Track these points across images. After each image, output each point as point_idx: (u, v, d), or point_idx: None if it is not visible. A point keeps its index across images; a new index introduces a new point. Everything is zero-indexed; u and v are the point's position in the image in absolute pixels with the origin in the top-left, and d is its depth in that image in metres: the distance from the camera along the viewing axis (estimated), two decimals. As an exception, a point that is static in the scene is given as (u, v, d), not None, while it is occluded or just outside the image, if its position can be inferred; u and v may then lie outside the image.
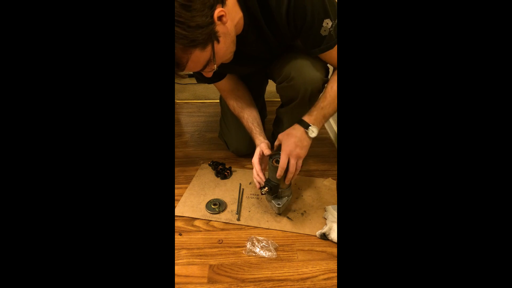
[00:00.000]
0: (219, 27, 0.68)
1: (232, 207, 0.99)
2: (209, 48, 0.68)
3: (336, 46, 0.83)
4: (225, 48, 0.73)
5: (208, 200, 1.01)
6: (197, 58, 0.67)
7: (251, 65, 1.00)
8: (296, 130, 0.86)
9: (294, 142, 0.84)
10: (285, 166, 0.84)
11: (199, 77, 1.00)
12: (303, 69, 0.91)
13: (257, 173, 0.90)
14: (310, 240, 0.88)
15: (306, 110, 0.94)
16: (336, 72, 0.91)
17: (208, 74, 0.77)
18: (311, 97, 0.96)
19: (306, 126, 0.86)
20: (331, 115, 0.89)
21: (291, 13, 0.77)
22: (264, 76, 1.19)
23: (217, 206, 0.98)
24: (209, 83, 1.05)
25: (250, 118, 1.04)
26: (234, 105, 1.07)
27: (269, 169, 0.90)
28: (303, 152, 0.86)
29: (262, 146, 0.92)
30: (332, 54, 0.85)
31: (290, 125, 1.07)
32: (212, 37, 0.67)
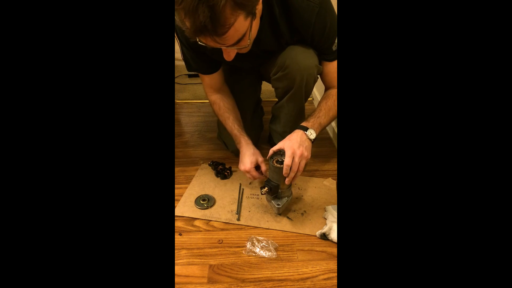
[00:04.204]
0: (258, 7, 0.71)
1: (232, 207, 0.99)
2: (248, 21, 0.69)
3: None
4: (254, 29, 0.74)
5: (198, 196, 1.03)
6: (239, 25, 0.67)
7: (253, 59, 1.01)
8: (296, 133, 0.90)
9: (297, 142, 0.87)
10: (290, 164, 0.84)
11: (197, 64, 1.00)
12: (297, 57, 0.93)
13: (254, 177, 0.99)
14: (310, 240, 0.88)
15: (302, 102, 1.05)
16: (328, 91, 1.00)
17: (231, 55, 0.77)
18: (307, 86, 0.98)
19: (304, 129, 0.90)
20: (326, 125, 0.97)
21: (313, 26, 0.86)
22: (258, 77, 1.20)
23: (206, 201, 0.99)
24: (204, 73, 1.03)
25: (235, 120, 1.06)
26: (220, 104, 1.07)
27: (269, 169, 0.90)
28: (306, 153, 0.88)
29: (258, 159, 0.99)
30: (334, 65, 0.96)
31: (287, 120, 1.10)
32: (253, 11, 0.69)
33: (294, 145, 0.86)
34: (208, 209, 0.98)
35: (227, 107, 1.07)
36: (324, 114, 0.95)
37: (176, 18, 0.66)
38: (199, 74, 1.05)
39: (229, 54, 0.77)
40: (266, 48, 0.93)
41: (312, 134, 0.90)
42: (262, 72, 1.14)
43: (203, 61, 0.99)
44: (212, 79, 1.05)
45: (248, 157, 0.98)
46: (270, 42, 0.91)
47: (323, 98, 0.99)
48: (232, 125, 1.05)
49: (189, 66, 1.02)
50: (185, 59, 1.01)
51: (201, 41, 0.69)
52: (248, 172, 0.98)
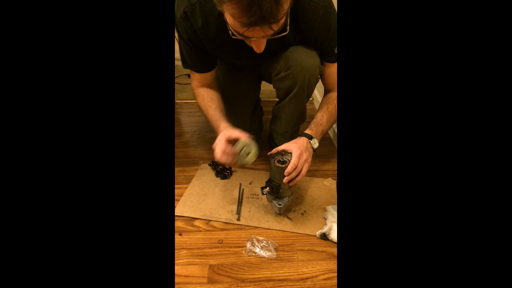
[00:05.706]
0: None
1: (232, 207, 0.99)
2: (289, 7, 0.68)
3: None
4: None
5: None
6: (287, 11, 0.67)
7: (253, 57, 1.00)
8: (301, 140, 0.91)
9: (303, 146, 0.89)
10: (296, 163, 0.85)
11: (193, 61, 0.98)
12: (300, 57, 0.93)
13: (222, 154, 0.86)
14: (310, 240, 0.88)
15: (303, 102, 1.05)
16: (329, 95, 1.00)
17: (262, 46, 0.75)
18: (309, 86, 0.99)
19: (309, 137, 0.93)
20: (327, 131, 0.99)
21: (317, 27, 0.87)
22: (257, 77, 1.20)
23: (248, 152, 0.86)
24: (197, 71, 1.00)
25: (217, 108, 0.99)
26: (205, 95, 1.02)
27: (270, 169, 0.90)
28: (310, 159, 0.90)
29: (228, 132, 0.88)
30: (336, 66, 0.97)
31: (288, 120, 1.10)
32: None
33: (301, 148, 0.88)
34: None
35: (211, 97, 1.01)
36: (326, 121, 0.96)
37: (225, 11, 0.64)
38: (190, 72, 1.03)
39: (260, 46, 0.75)
40: (269, 47, 0.93)
41: (315, 143, 0.93)
42: (262, 72, 1.14)
43: (200, 59, 0.98)
44: (203, 78, 1.03)
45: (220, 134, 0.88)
46: (274, 40, 0.91)
47: (324, 103, 0.99)
48: (214, 111, 0.98)
49: (184, 63, 1.01)
50: (181, 55, 0.99)
51: (244, 34, 0.67)
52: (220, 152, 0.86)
